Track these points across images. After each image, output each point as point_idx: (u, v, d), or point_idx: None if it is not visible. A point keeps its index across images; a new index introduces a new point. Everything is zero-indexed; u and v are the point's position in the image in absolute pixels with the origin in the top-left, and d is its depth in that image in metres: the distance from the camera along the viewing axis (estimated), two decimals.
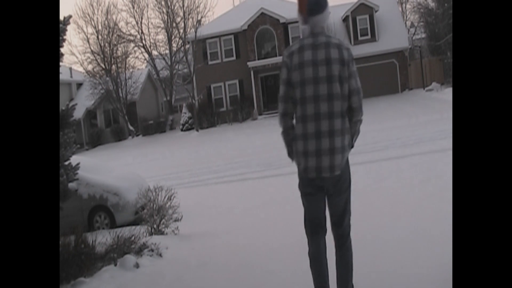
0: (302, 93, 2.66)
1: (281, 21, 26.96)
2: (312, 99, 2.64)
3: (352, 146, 2.79)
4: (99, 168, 8.75)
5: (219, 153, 17.19)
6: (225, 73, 28.20)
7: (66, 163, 4.99)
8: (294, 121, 2.79)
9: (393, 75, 27.87)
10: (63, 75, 29.67)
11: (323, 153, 2.63)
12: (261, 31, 27.46)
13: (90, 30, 36.81)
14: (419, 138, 12.01)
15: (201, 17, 30.25)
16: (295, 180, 3.03)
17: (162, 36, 39.00)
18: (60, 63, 4.71)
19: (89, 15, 31.51)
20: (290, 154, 2.84)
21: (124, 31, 32.72)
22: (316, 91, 2.63)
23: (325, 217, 2.87)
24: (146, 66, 36.39)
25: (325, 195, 2.82)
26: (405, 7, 39.36)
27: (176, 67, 33.27)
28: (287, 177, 9.41)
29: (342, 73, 2.63)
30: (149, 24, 49.75)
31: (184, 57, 30.41)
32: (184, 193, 8.34)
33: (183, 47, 31.27)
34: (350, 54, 2.69)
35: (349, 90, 2.68)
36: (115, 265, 4.67)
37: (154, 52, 33.93)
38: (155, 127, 29.97)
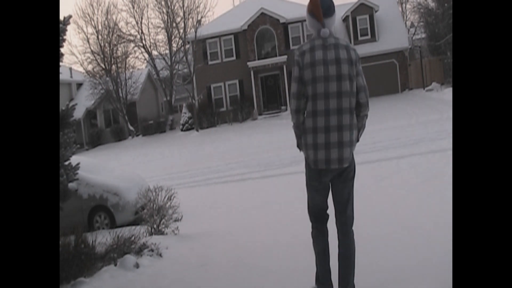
0: (313, 90, 2.83)
1: (281, 21, 26.96)
2: (322, 96, 2.81)
3: (358, 140, 2.98)
4: (99, 168, 8.75)
5: (219, 153, 17.19)
6: (225, 73, 28.20)
7: (66, 163, 4.99)
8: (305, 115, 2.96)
9: (393, 75, 27.88)
10: (63, 75, 29.66)
11: (332, 146, 2.82)
12: (261, 31, 27.46)
13: (90, 30, 36.86)
14: (419, 138, 12.00)
15: (201, 17, 30.31)
16: (295, 180, 3.19)
17: (162, 36, 39.07)
18: (60, 63, 4.71)
19: (89, 15, 31.54)
20: (299, 145, 3.03)
21: (124, 31, 32.76)
22: (326, 88, 2.81)
23: (327, 206, 3.06)
24: (146, 66, 36.39)
25: (330, 188, 3.02)
26: (405, 7, 39.41)
27: (176, 67, 33.27)
28: (287, 177, 9.41)
29: (351, 72, 2.83)
30: (149, 24, 49.84)
31: (184, 57, 30.41)
32: (184, 193, 8.35)
33: (183, 47, 31.27)
34: (357, 54, 2.91)
35: (357, 88, 2.89)
36: (115, 265, 4.67)
37: (154, 52, 33.98)
38: (155, 127, 29.97)
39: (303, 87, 2.87)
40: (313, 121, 2.84)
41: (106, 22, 31.34)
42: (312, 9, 2.90)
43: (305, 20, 27.28)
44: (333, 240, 3.11)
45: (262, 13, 27.01)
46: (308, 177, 3.01)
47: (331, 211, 3.11)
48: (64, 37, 4.80)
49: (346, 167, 2.90)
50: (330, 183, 3.00)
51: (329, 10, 2.89)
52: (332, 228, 3.11)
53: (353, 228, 3.08)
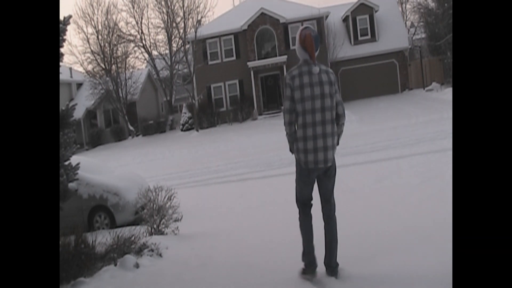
0: (302, 107, 3.52)
1: (281, 21, 26.96)
2: (310, 111, 3.51)
3: (338, 143, 3.66)
4: (100, 168, 8.74)
5: (219, 153, 17.20)
6: (225, 73, 28.18)
7: (66, 163, 4.99)
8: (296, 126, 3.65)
9: (393, 75, 27.87)
10: (63, 75, 29.65)
11: (319, 150, 3.52)
12: (261, 31, 27.44)
13: (90, 30, 36.74)
14: (419, 138, 12.00)
15: (201, 17, 30.17)
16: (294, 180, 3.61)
17: (162, 36, 38.93)
18: (60, 63, 4.71)
19: (89, 15, 31.50)
20: (292, 150, 3.72)
21: (124, 31, 32.73)
22: (313, 105, 3.50)
23: (312, 196, 3.74)
24: (146, 66, 36.37)
25: (315, 181, 3.70)
26: (405, 7, 39.35)
27: (176, 67, 33.25)
28: (287, 177, 9.40)
29: (331, 91, 3.55)
30: (149, 24, 49.54)
31: (184, 57, 30.39)
32: (184, 193, 8.34)
33: (183, 47, 31.25)
34: (334, 76, 3.65)
35: (336, 102, 3.59)
36: (115, 265, 4.67)
37: (154, 52, 33.94)
38: (155, 127, 29.94)
39: (293, 104, 3.55)
40: (303, 131, 3.54)
41: (106, 22, 31.33)
42: (307, 47, 3.55)
43: (305, 20, 27.02)
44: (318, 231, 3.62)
45: (262, 13, 26.99)
46: (299, 174, 3.69)
47: (315, 201, 3.75)
48: (64, 37, 4.80)
49: (329, 166, 3.61)
50: (316, 179, 3.67)
51: (318, 47, 3.60)
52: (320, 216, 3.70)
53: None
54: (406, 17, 39.81)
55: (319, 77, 3.52)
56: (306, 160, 3.54)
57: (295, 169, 3.72)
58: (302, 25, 27.06)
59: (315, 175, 3.63)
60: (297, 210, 3.83)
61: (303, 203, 3.77)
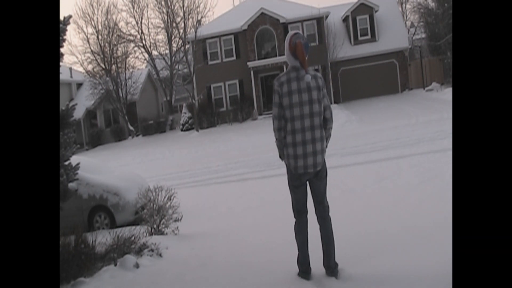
0: (291, 113, 3.57)
1: (281, 21, 26.95)
2: (299, 117, 3.55)
3: (326, 146, 3.69)
4: (100, 168, 8.75)
5: (219, 153, 17.20)
6: (225, 73, 28.17)
7: (66, 163, 4.99)
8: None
9: (393, 75, 27.86)
10: (63, 75, 29.65)
11: (308, 155, 3.56)
12: (261, 31, 27.44)
13: (90, 30, 36.84)
14: (419, 138, 12.00)
15: (201, 17, 30.19)
16: None
17: (162, 36, 38.98)
18: (60, 63, 4.71)
19: (89, 15, 31.50)
20: (282, 156, 3.76)
21: (124, 31, 32.73)
22: (301, 111, 3.55)
23: (307, 200, 3.78)
24: (146, 66, 36.37)
25: (307, 186, 3.75)
26: (405, 7, 39.35)
27: (176, 67, 33.25)
28: (286, 177, 9.39)
29: (319, 97, 3.60)
30: (149, 24, 49.67)
31: (184, 57, 30.39)
32: (184, 193, 8.35)
33: (183, 47, 31.25)
34: (323, 81, 3.69)
35: (323, 107, 3.63)
36: (115, 265, 4.67)
37: (154, 52, 33.94)
38: (155, 127, 29.94)
39: (282, 111, 3.60)
40: (293, 137, 3.57)
41: (106, 22, 31.32)
42: (298, 55, 3.56)
43: (305, 20, 26.91)
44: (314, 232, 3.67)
45: (262, 13, 26.98)
46: (290, 179, 3.74)
47: (309, 205, 3.78)
48: (64, 37, 4.80)
49: (320, 169, 3.64)
50: (308, 182, 3.72)
51: (308, 53, 3.62)
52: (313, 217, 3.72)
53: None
54: (406, 17, 39.81)
55: (307, 83, 3.56)
56: (296, 165, 3.59)
57: (286, 175, 3.75)
58: (302, 25, 27.20)
59: (306, 179, 3.68)
60: None
61: (299, 210, 3.79)
